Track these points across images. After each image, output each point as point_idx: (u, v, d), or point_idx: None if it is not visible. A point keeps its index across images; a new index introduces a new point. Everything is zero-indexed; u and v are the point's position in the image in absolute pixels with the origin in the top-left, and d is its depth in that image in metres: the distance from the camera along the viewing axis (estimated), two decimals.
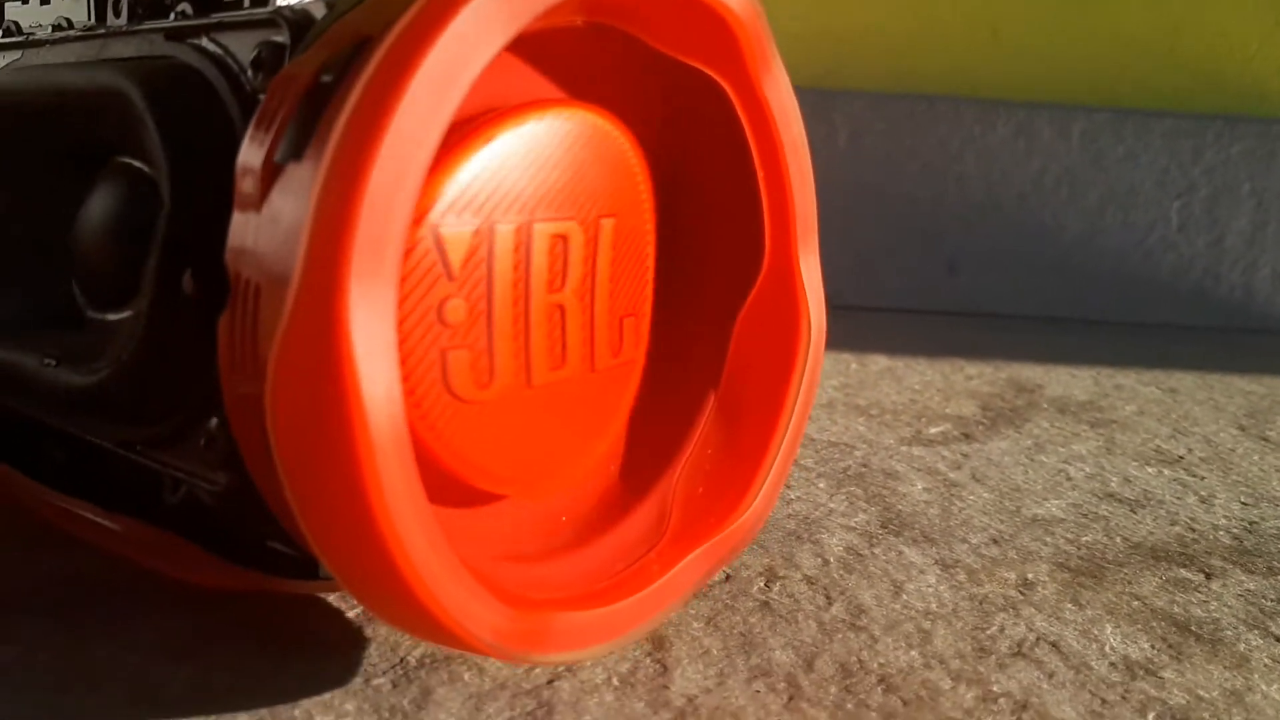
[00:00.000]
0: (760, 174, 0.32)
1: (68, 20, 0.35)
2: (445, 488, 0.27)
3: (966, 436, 0.60)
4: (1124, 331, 1.02)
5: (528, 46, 0.27)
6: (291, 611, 0.33)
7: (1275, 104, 1.08)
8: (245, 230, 0.24)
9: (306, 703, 0.28)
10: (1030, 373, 0.79)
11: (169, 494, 0.31)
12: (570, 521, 0.32)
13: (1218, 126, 1.06)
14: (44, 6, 0.36)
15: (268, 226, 0.23)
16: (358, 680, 0.30)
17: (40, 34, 0.36)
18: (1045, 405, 0.69)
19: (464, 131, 0.26)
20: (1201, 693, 0.33)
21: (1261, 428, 0.67)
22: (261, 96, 0.25)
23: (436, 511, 0.24)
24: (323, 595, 0.34)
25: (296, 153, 0.23)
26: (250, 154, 0.24)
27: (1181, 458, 0.59)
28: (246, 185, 0.24)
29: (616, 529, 0.32)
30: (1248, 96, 1.08)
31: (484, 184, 0.26)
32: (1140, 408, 0.71)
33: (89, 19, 0.34)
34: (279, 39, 0.26)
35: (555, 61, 0.29)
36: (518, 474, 0.29)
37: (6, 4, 0.38)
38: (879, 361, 0.79)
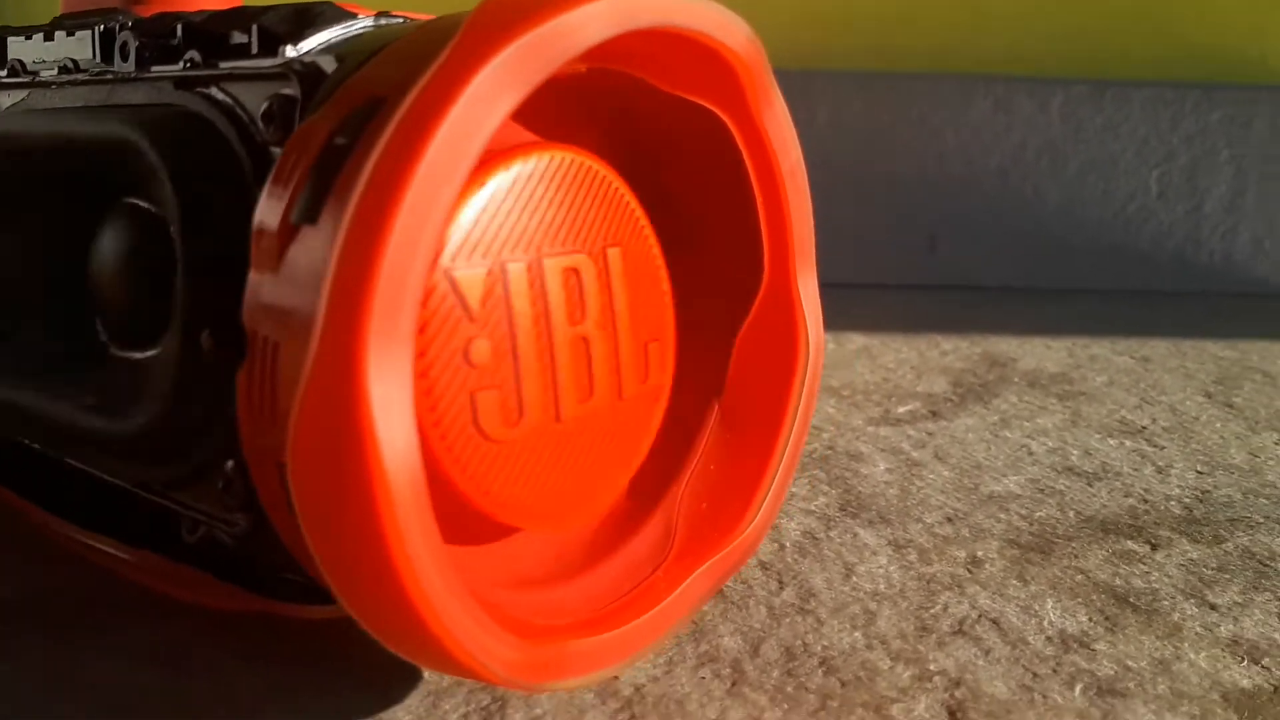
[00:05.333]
0: (760, 200, 0.33)
1: (74, 61, 0.35)
2: (463, 521, 0.28)
3: (934, 414, 0.62)
4: (1104, 300, 1.03)
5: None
6: (271, 624, 0.35)
7: (1253, 71, 1.09)
8: (261, 289, 0.24)
9: (273, 708, 0.30)
10: (1005, 345, 0.81)
11: (187, 534, 0.32)
12: (579, 543, 0.33)
13: (1196, 95, 1.07)
14: (48, 44, 0.36)
15: (285, 287, 0.23)
16: (325, 684, 0.31)
17: (46, 74, 0.36)
18: (1016, 379, 0.71)
19: None
20: (1130, 663, 0.34)
21: (1228, 394, 0.69)
22: (274, 149, 0.26)
23: (452, 546, 0.25)
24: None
25: (312, 215, 0.23)
26: (267, 214, 0.24)
27: (1145, 428, 0.61)
28: (264, 244, 0.24)
29: (624, 548, 0.33)
30: (1225, 64, 1.09)
31: (486, 225, 0.26)
32: (1111, 378, 0.72)
33: (94, 57, 0.34)
34: (289, 92, 0.27)
35: (542, 103, 0.30)
36: (549, 507, 0.30)
37: (10, 40, 0.38)
38: (855, 340, 0.81)
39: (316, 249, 0.22)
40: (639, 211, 0.31)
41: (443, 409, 0.25)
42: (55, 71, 0.36)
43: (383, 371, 0.21)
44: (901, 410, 0.63)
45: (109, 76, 0.33)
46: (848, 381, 0.69)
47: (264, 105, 0.27)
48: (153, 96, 0.31)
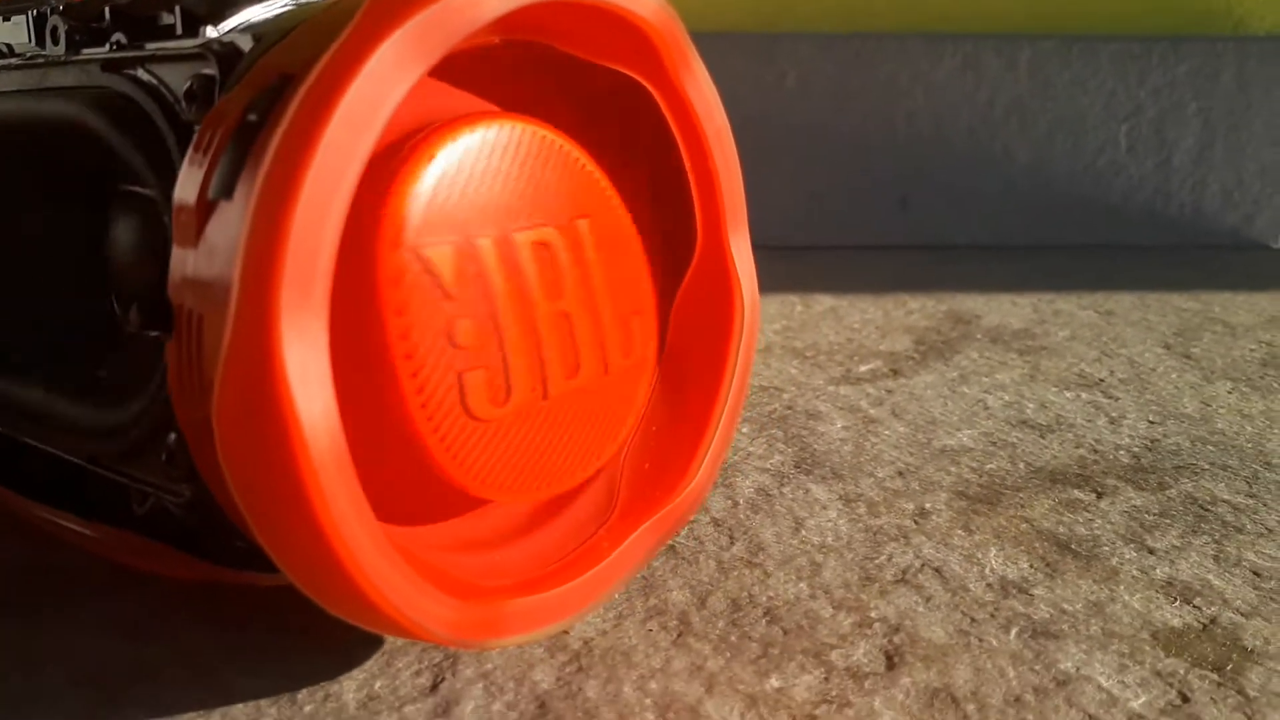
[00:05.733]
0: (688, 165, 0.34)
1: (8, 46, 0.36)
2: (413, 490, 0.29)
3: (895, 373, 0.63)
4: (1073, 256, 1.04)
5: (454, 66, 0.28)
6: (228, 591, 0.35)
7: (1219, 22, 1.09)
8: (185, 263, 0.25)
9: (231, 669, 0.31)
10: (971, 303, 0.82)
11: (137, 505, 0.33)
12: (522, 507, 0.33)
13: (1163, 48, 1.07)
14: None
15: (204, 260, 0.24)
16: (285, 645, 0.32)
17: None
18: (979, 336, 0.72)
19: (403, 153, 0.27)
20: (1066, 606, 0.35)
21: (1186, 345, 0.70)
22: (197, 128, 0.26)
23: (389, 512, 0.25)
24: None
25: (227, 190, 0.24)
26: (185, 190, 0.25)
27: (1102, 380, 0.62)
28: (184, 219, 0.25)
29: (568, 510, 0.34)
30: (1191, 16, 1.09)
31: (445, 200, 0.27)
32: (1073, 332, 0.73)
33: (29, 41, 0.35)
34: (208, 71, 0.28)
35: (483, 76, 0.30)
36: (531, 480, 0.30)
37: None
38: (823, 302, 0.81)
39: (232, 223, 0.23)
40: (604, 181, 0.32)
41: (430, 390, 0.26)
42: None
43: (298, 339, 0.22)
44: (863, 369, 0.64)
45: (40, 61, 0.34)
46: (811, 343, 0.70)
47: (186, 85, 0.28)
48: (82, 79, 0.31)
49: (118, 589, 0.35)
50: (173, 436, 0.29)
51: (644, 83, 0.32)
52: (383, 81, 0.23)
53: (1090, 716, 0.29)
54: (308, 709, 0.29)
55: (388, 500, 0.27)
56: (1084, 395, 0.59)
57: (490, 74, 0.30)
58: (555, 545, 0.32)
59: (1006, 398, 0.58)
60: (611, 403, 0.32)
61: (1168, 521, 0.42)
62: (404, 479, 0.28)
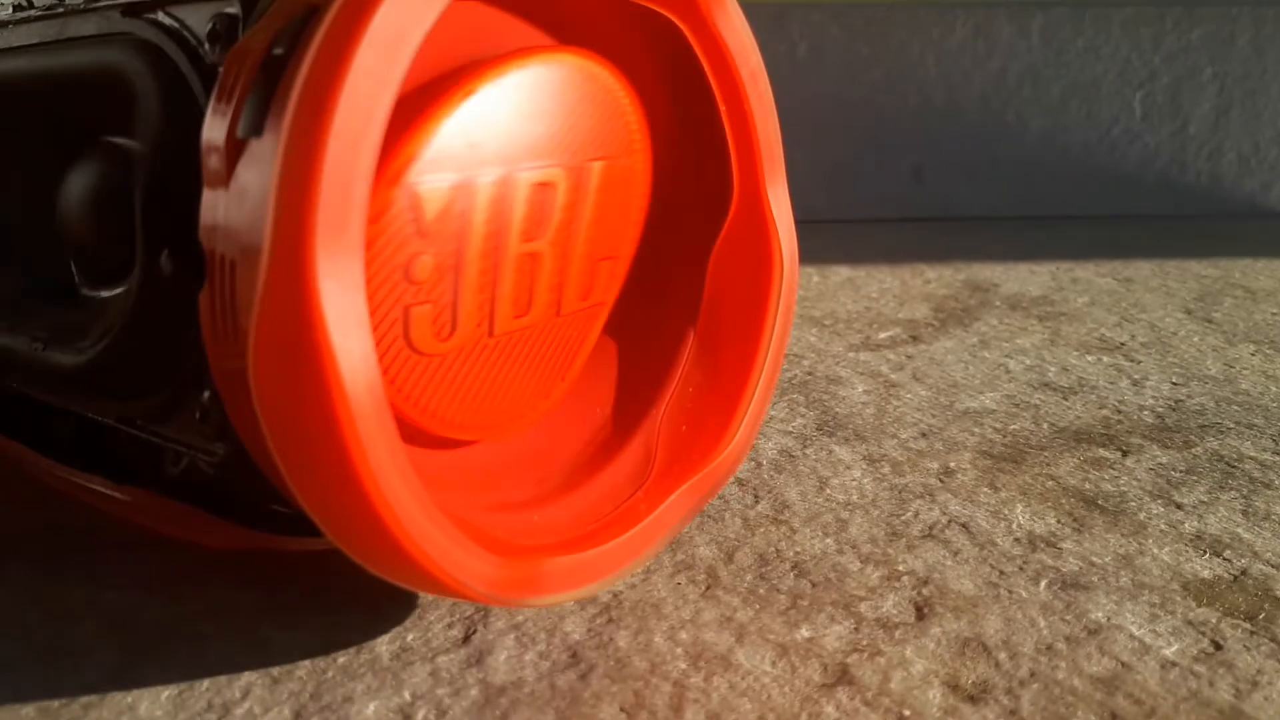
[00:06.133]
0: (723, 109, 0.33)
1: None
2: (426, 443, 0.28)
3: (914, 339, 0.63)
4: (1089, 225, 1.03)
5: None
6: (266, 553, 0.36)
7: None
8: (216, 207, 0.24)
9: (268, 623, 0.31)
10: (989, 272, 0.81)
11: (171, 466, 0.32)
12: (559, 467, 0.33)
13: (1176, 12, 1.06)
14: None
15: (236, 203, 0.23)
16: (320, 601, 0.32)
17: (2, 15, 0.37)
18: (998, 303, 0.72)
19: (442, 88, 0.26)
20: (1095, 559, 0.35)
21: (1208, 310, 0.69)
22: (221, 70, 0.25)
23: (423, 468, 0.25)
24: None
25: (257, 128, 0.23)
26: (213, 130, 0.24)
27: (1123, 344, 0.61)
28: (213, 162, 0.24)
29: (604, 471, 0.33)
30: None
31: (466, 138, 0.26)
32: (1092, 299, 0.73)
33: None
34: (231, 10, 0.27)
35: (535, 9, 0.29)
36: (478, 420, 0.30)
37: None
38: (840, 273, 0.81)
39: (264, 162, 0.22)
40: (635, 123, 0.31)
41: (375, 321, 0.25)
42: (10, 10, 0.36)
43: (335, 283, 0.22)
44: (882, 336, 0.63)
45: (60, 10, 0.33)
46: (830, 311, 0.69)
47: (209, 26, 0.27)
48: (103, 27, 0.31)
49: (147, 546, 0.35)
50: (206, 394, 0.28)
51: (675, 20, 0.31)
52: (411, 5, 0.22)
53: (1123, 664, 0.29)
54: (341, 660, 0.29)
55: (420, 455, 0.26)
56: (1105, 359, 0.58)
57: (545, 4, 0.29)
58: (593, 506, 0.32)
59: (1028, 361, 0.58)
60: (560, 343, 0.32)
61: (1195, 478, 0.42)
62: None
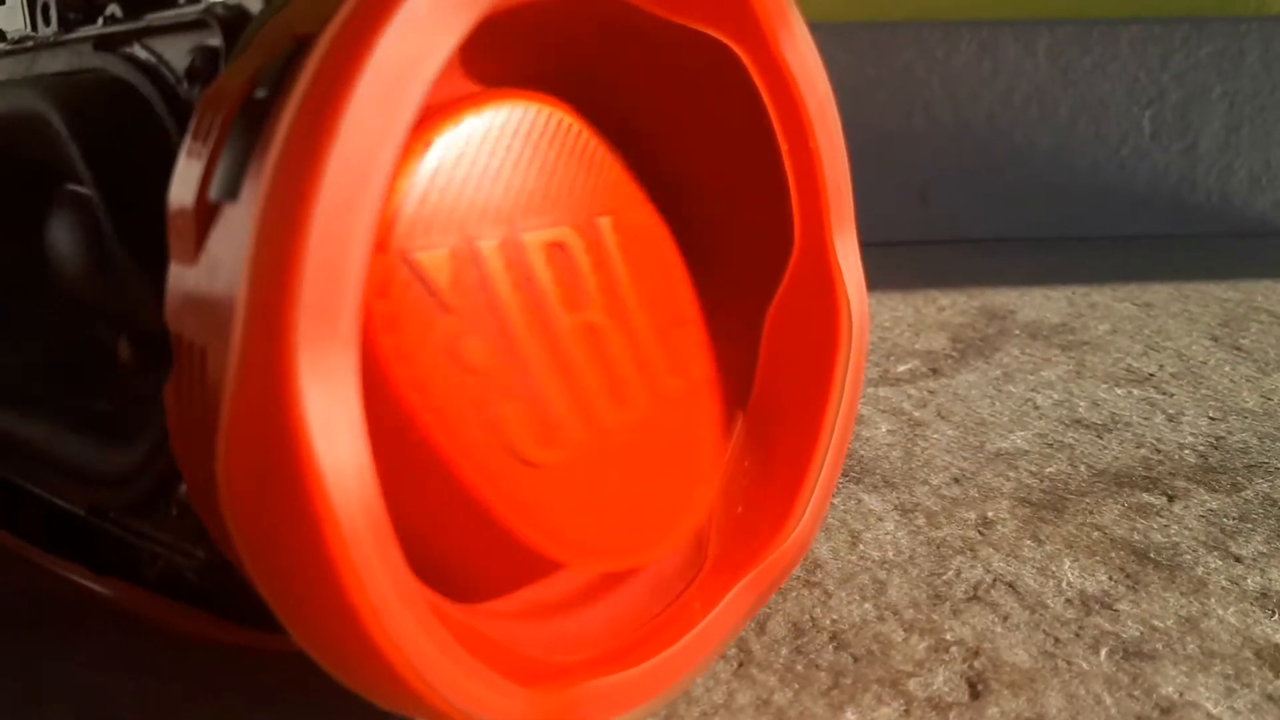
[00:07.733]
0: (784, 146, 0.29)
1: (1, 32, 0.33)
2: (469, 550, 0.24)
3: (934, 372, 0.60)
4: (1101, 246, 1.01)
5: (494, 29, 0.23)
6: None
7: (1242, 2, 1.06)
8: (184, 284, 0.20)
9: (263, 713, 0.28)
10: (1004, 298, 0.79)
11: (147, 568, 0.29)
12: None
13: (1185, 29, 1.04)
14: None
15: (206, 280, 0.19)
16: (313, 690, 0.30)
17: None
18: (1017, 331, 0.69)
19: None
20: (1156, 622, 0.33)
21: (1235, 337, 0.67)
22: (194, 117, 0.22)
23: (440, 579, 0.21)
24: None
25: (232, 190, 0.19)
26: (181, 191, 0.20)
27: (1152, 375, 0.59)
28: (180, 229, 0.20)
29: (649, 564, 0.28)
30: None
31: (441, 194, 0.22)
32: (1114, 326, 0.70)
33: (25, 27, 0.32)
34: (213, 42, 0.24)
35: (500, 48, 0.25)
36: (616, 538, 0.26)
37: None
38: None
39: (239, 231, 0.18)
40: (627, 173, 0.27)
41: (456, 426, 0.21)
42: None
43: (319, 377, 0.17)
44: (901, 369, 0.61)
45: (28, 45, 0.30)
46: None
47: (187, 61, 0.24)
48: (72, 63, 0.28)
49: (118, 621, 0.32)
50: (184, 488, 0.25)
51: (732, 45, 0.27)
52: (418, 39, 0.18)
53: None
54: None
55: (433, 563, 0.22)
56: (1135, 391, 0.56)
57: (531, 39, 0.25)
58: (637, 608, 0.27)
59: (1055, 396, 0.55)
60: (682, 437, 0.27)
61: (1250, 526, 0.39)
62: (452, 536, 0.24)
